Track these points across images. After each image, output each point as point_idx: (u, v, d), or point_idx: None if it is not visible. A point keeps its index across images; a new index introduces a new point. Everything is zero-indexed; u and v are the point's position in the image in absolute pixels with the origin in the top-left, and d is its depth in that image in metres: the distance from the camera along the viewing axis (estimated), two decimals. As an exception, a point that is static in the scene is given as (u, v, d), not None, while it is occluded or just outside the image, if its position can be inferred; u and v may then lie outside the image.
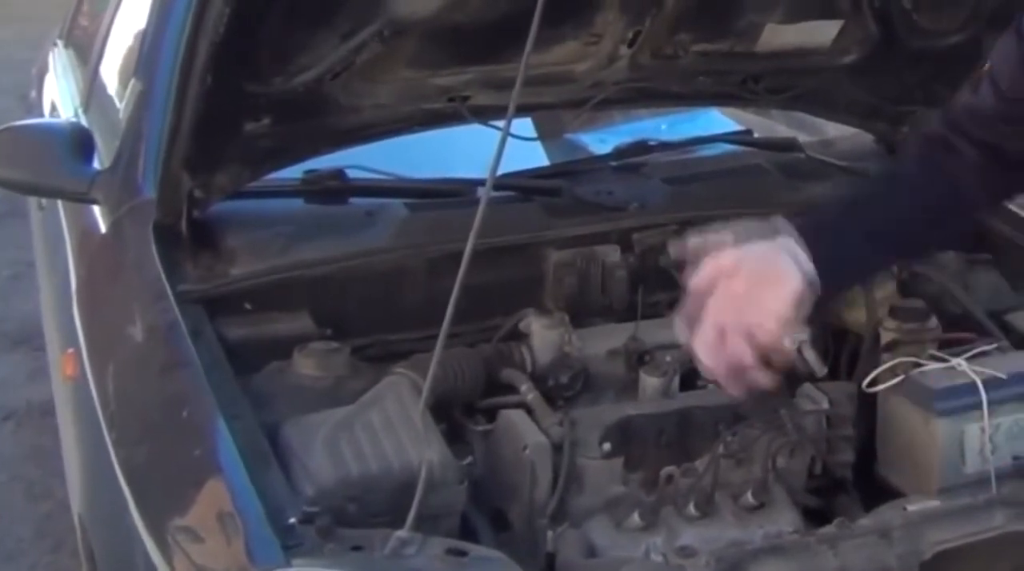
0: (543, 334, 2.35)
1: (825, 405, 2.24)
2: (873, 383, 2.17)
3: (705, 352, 1.82)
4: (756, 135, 3.20)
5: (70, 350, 2.58)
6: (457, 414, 2.25)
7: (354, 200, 2.62)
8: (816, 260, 1.80)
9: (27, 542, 3.66)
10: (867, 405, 2.26)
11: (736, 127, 3.30)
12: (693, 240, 1.85)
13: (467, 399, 2.27)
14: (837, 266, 1.83)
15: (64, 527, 3.35)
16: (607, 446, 2.11)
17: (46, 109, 4.20)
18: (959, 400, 2.07)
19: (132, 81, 2.93)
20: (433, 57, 2.42)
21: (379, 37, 2.29)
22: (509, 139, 1.92)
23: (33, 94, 4.66)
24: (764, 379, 1.83)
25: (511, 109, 1.91)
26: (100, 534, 2.32)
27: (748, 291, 1.78)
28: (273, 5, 2.13)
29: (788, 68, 2.77)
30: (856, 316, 2.54)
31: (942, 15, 2.69)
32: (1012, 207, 2.95)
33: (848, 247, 1.87)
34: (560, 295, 2.53)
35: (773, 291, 1.78)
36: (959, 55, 2.77)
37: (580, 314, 2.50)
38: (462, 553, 1.78)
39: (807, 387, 2.29)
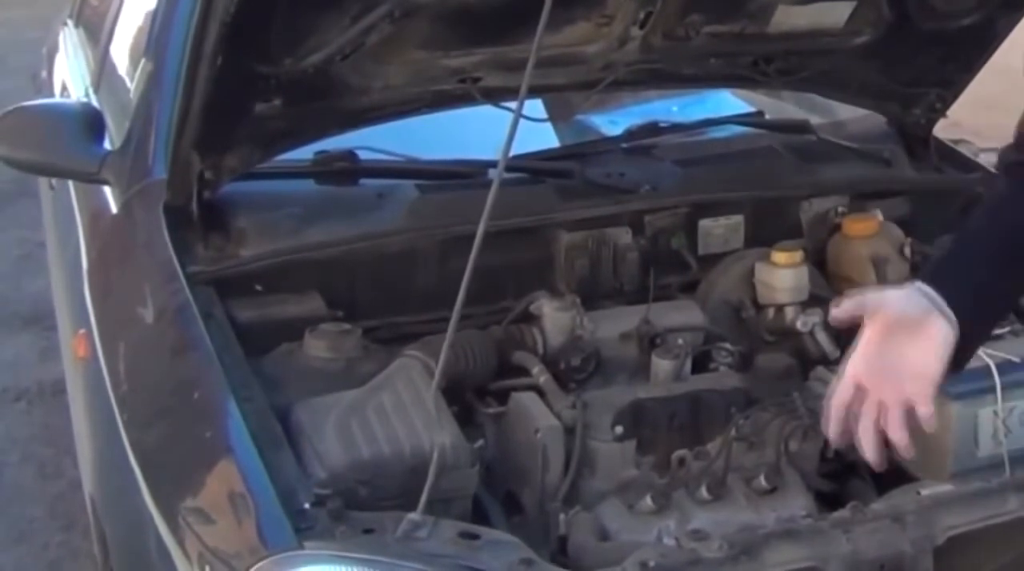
0: (555, 316, 2.35)
1: (838, 388, 2.24)
2: (886, 366, 2.16)
3: (837, 408, 1.77)
4: (767, 117, 3.18)
5: (81, 331, 2.58)
6: (469, 397, 2.25)
7: (365, 181, 2.61)
8: (947, 299, 1.74)
9: (39, 522, 3.67)
10: (880, 389, 2.25)
11: (747, 109, 3.28)
12: (846, 304, 1.79)
13: (479, 382, 2.26)
14: (967, 302, 1.76)
15: (76, 507, 3.35)
16: (619, 429, 2.11)
17: (56, 89, 4.19)
18: (972, 384, 2.06)
19: (142, 61, 2.92)
20: (443, 38, 2.41)
21: (389, 18, 2.28)
22: (520, 120, 1.91)
23: (43, 74, 4.65)
24: (905, 447, 1.76)
25: (523, 90, 1.90)
26: (111, 515, 2.32)
27: (894, 348, 1.73)
28: (283, -15, 2.13)
29: (800, 50, 2.75)
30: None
31: (955, -4, 2.68)
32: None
33: (970, 278, 1.80)
34: (571, 277, 2.53)
35: (921, 347, 1.73)
36: (972, 37, 2.76)
37: (591, 296, 2.50)
38: (474, 536, 1.78)
39: (820, 370, 2.29)
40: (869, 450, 1.76)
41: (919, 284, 1.76)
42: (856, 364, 1.76)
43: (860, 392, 1.76)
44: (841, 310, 1.78)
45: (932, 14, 2.69)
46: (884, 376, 1.74)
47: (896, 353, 1.73)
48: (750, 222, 2.70)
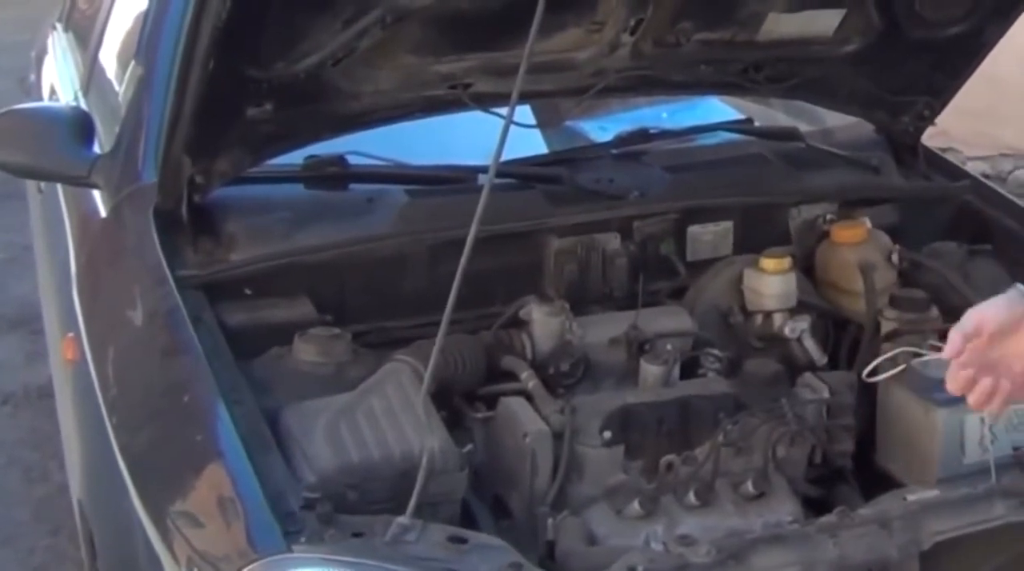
0: (544, 322, 2.36)
1: (825, 394, 2.25)
2: (873, 373, 2.18)
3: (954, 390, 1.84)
4: (757, 124, 3.19)
5: (70, 335, 2.58)
6: (457, 401, 2.25)
7: (355, 186, 2.62)
8: None
9: (25, 525, 3.66)
10: (867, 395, 2.27)
11: (737, 116, 3.29)
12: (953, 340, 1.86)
13: (468, 386, 2.27)
14: None
15: (62, 510, 3.35)
16: (607, 434, 2.12)
17: (45, 92, 4.19)
18: (959, 391, 2.06)
19: (132, 65, 2.92)
20: (435, 44, 2.42)
21: (381, 23, 2.28)
22: (510, 126, 1.92)
23: (32, 77, 4.65)
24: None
25: (514, 96, 1.91)
26: (100, 519, 2.32)
27: (997, 348, 1.80)
28: (276, -10, 2.13)
29: (789, 57, 2.76)
30: (857, 306, 2.55)
31: (944, 5, 2.68)
32: (1012, 198, 2.95)
33: None
34: (561, 283, 2.54)
35: (1019, 347, 1.80)
36: (960, 45, 2.77)
37: (581, 302, 2.50)
38: (462, 540, 1.79)
39: (807, 376, 2.30)
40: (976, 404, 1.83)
41: (1019, 285, 1.84)
42: (969, 361, 1.81)
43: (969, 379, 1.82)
44: (953, 347, 1.83)
45: (921, 22, 2.70)
46: (988, 370, 1.80)
47: (998, 351, 1.80)
48: (739, 228, 2.71)
